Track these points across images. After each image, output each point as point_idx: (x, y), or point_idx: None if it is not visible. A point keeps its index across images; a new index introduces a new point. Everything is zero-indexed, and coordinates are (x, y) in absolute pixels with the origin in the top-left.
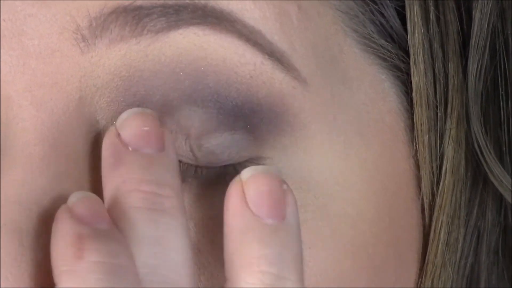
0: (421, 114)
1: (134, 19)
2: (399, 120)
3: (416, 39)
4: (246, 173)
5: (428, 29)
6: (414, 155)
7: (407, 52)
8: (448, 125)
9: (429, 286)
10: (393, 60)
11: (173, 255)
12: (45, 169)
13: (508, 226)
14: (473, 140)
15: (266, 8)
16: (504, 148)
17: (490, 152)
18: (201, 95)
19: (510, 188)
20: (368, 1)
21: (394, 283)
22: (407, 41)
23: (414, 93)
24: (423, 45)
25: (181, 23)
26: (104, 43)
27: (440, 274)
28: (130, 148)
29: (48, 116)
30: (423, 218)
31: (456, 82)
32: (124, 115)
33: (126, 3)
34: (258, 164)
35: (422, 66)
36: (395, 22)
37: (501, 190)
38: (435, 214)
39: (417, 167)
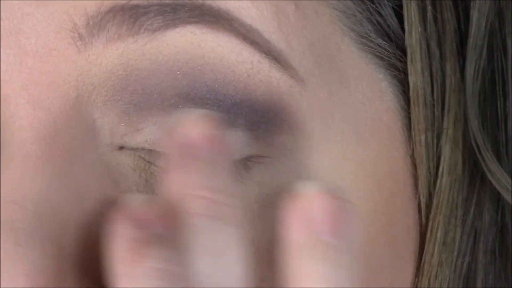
0: (418, 113)
1: (131, 17)
2: (396, 119)
3: (413, 38)
4: (310, 189)
5: (425, 28)
6: (411, 155)
7: (404, 51)
8: (445, 125)
9: (426, 286)
10: (390, 59)
11: (233, 266)
12: (41, 168)
13: (505, 225)
14: (471, 139)
15: (264, 7)
16: (501, 148)
17: (487, 151)
18: (199, 94)
19: (508, 187)
20: (366, 0)
21: (391, 283)
22: (404, 40)
23: (411, 92)
24: (421, 44)
25: (178, 22)
26: (101, 42)
27: (436, 273)
28: (196, 151)
29: (45, 114)
30: (420, 218)
31: (453, 82)
32: (190, 116)
33: (123, 1)
34: (259, 162)
35: (419, 65)
36: (393, 21)
37: (499, 189)
38: (432, 213)
39: (414, 166)
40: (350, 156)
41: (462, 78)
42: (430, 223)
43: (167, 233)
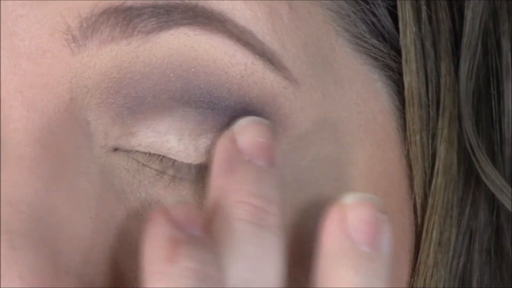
0: (413, 114)
1: (125, 19)
2: (391, 119)
3: (408, 38)
4: (349, 198)
5: (420, 29)
6: (406, 155)
7: (399, 52)
8: (440, 125)
9: (421, 286)
10: (385, 60)
11: (269, 273)
12: (36, 170)
13: (500, 225)
14: (465, 139)
15: (257, 8)
16: (496, 148)
17: (482, 152)
18: (193, 96)
19: (502, 188)
20: (360, 1)
21: None
22: (399, 40)
23: (406, 93)
24: (415, 45)
25: (171, 24)
26: (95, 44)
27: (432, 274)
28: (244, 157)
29: (39, 116)
30: (416, 218)
31: (448, 82)
32: (243, 122)
33: (117, 3)
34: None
35: (414, 66)
36: (387, 22)
37: (493, 190)
38: (427, 213)
39: (410, 167)
40: (344, 157)
41: (457, 78)
42: (425, 223)
43: (204, 235)
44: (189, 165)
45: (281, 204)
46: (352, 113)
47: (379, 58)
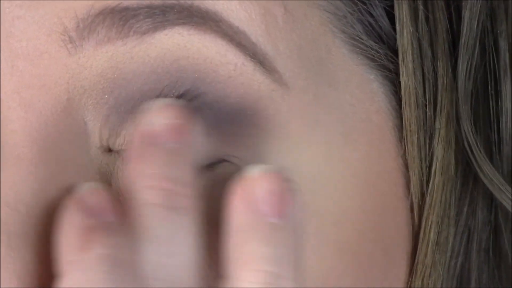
0: (410, 114)
1: (121, 20)
2: (387, 119)
3: (405, 38)
4: (251, 171)
5: (417, 29)
6: (402, 155)
7: (396, 52)
8: (437, 125)
9: (419, 286)
10: (381, 60)
11: (183, 254)
12: (33, 171)
13: (498, 225)
14: (463, 139)
15: (252, 9)
16: (494, 147)
17: (480, 151)
18: (176, 93)
19: (501, 187)
20: (357, 1)
21: (382, 282)
22: (396, 40)
23: (403, 93)
24: (412, 45)
25: (167, 24)
26: (91, 44)
27: (430, 273)
28: (156, 140)
29: (36, 117)
30: (413, 218)
31: (445, 82)
32: (153, 105)
33: (113, 4)
34: (227, 161)
35: (411, 66)
36: (384, 22)
37: (491, 188)
38: (425, 213)
39: (406, 166)
40: (335, 157)
41: (454, 78)
42: (423, 223)
43: (117, 220)
44: None
45: (195, 185)
46: (347, 114)
47: (376, 58)
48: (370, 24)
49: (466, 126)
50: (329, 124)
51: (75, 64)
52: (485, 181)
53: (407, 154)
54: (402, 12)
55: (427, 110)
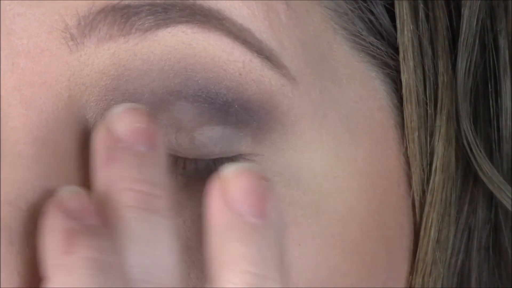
0: (410, 112)
1: (123, 18)
2: (389, 117)
3: (405, 36)
4: (227, 170)
5: (417, 26)
6: (404, 152)
7: (396, 50)
8: (438, 122)
9: (420, 284)
10: (382, 58)
11: (164, 255)
12: (34, 168)
13: (498, 223)
14: (462, 137)
15: (255, 6)
16: (493, 146)
17: (479, 150)
18: (191, 91)
19: (500, 185)
20: None
21: (385, 280)
22: (396, 38)
23: (403, 91)
24: (413, 42)
25: (169, 22)
26: (93, 42)
27: (430, 271)
28: (122, 145)
29: (37, 115)
30: (414, 216)
31: (445, 79)
32: (116, 110)
33: (115, 2)
34: (250, 160)
35: (411, 64)
36: (384, 20)
37: (490, 187)
38: (426, 211)
39: (408, 164)
40: (343, 155)
41: (455, 75)
42: (423, 221)
43: (99, 224)
44: (184, 160)
45: (167, 186)
46: (351, 111)
47: (377, 56)
48: (371, 21)
49: (466, 124)
50: (335, 121)
51: (76, 61)
52: (485, 179)
53: (408, 152)
54: (403, 10)
55: (428, 107)
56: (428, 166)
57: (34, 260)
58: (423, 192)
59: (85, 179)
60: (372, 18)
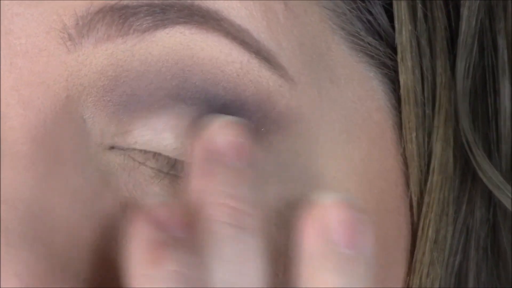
0: (408, 112)
1: (121, 18)
2: (387, 117)
3: (403, 36)
4: (326, 199)
5: (415, 27)
6: (402, 153)
7: (394, 50)
8: (436, 123)
9: (418, 284)
10: (381, 58)
11: (250, 275)
12: (32, 168)
13: (497, 223)
14: (461, 137)
15: (253, 7)
16: (492, 145)
17: (479, 149)
18: (189, 94)
19: (500, 185)
20: None
21: (383, 281)
22: (394, 38)
23: (402, 91)
24: (411, 43)
25: (167, 22)
26: (91, 42)
27: (428, 272)
28: (222, 158)
29: (35, 115)
30: (412, 216)
31: (444, 80)
32: (217, 121)
33: (113, 2)
34: None
35: (409, 64)
36: (383, 20)
37: (490, 187)
38: (423, 211)
39: (406, 164)
40: (340, 155)
41: (453, 76)
42: (421, 221)
43: (187, 237)
44: (182, 163)
45: (260, 205)
46: (349, 111)
47: (375, 56)
48: (369, 21)
49: (465, 124)
50: (333, 120)
51: (74, 61)
52: (484, 179)
53: (406, 152)
54: (401, 10)
55: (426, 108)
56: (426, 167)
57: (33, 261)
58: (421, 193)
59: (83, 179)
60: (370, 18)
